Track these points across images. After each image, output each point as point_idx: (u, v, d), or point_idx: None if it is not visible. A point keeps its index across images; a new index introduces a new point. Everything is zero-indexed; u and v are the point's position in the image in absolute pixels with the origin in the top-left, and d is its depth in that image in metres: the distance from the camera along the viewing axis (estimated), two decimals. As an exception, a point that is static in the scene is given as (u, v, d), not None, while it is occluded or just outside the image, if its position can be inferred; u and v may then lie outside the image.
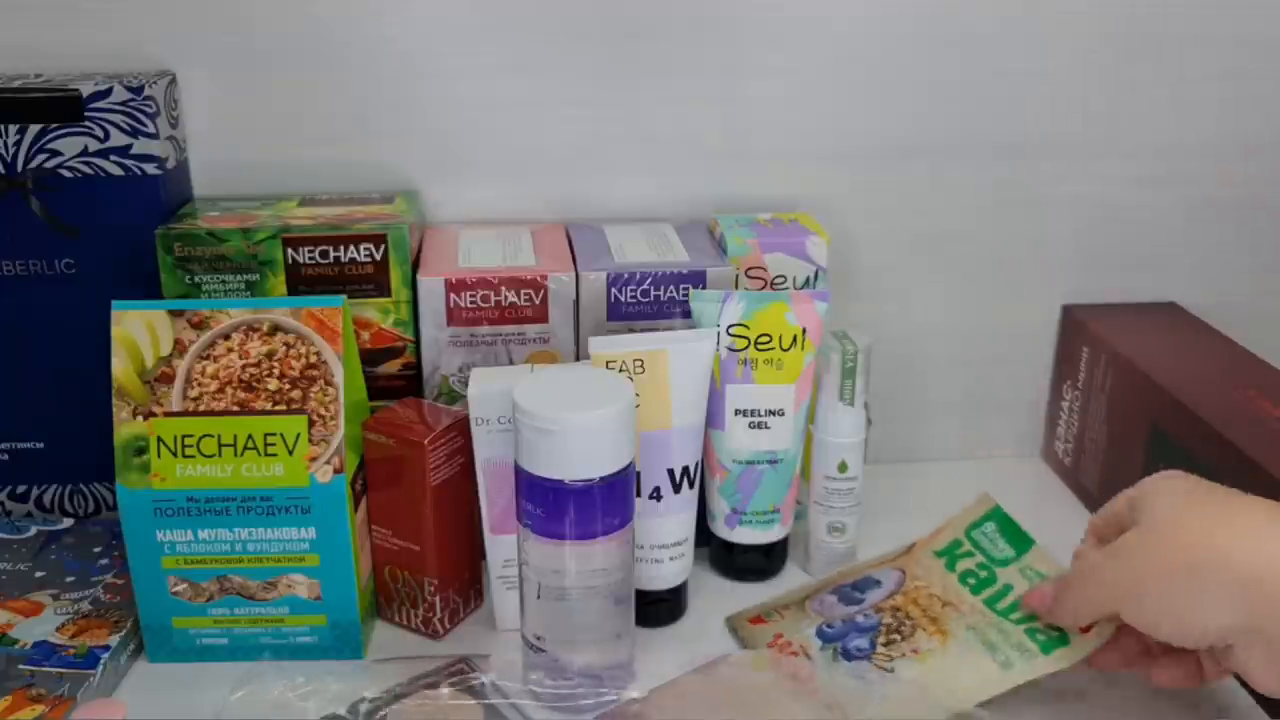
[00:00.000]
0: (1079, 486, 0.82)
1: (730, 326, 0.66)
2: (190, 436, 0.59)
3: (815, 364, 0.67)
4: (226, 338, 0.61)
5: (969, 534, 0.65)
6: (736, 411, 0.67)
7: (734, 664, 0.61)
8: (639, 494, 0.64)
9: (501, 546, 0.63)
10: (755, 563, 0.71)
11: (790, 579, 0.71)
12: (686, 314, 0.68)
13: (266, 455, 0.59)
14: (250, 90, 0.74)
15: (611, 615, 0.58)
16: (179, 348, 0.60)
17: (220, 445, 0.59)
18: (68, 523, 0.73)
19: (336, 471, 0.60)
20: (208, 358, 0.60)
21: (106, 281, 0.68)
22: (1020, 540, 0.63)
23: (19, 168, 0.67)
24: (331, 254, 0.67)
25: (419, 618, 0.65)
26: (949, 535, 0.66)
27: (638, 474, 0.62)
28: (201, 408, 0.60)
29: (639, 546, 0.64)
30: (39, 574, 0.67)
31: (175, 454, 0.59)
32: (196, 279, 0.67)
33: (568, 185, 0.78)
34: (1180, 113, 0.80)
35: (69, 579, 0.67)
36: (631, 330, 0.68)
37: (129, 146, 0.68)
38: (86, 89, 0.67)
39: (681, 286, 0.68)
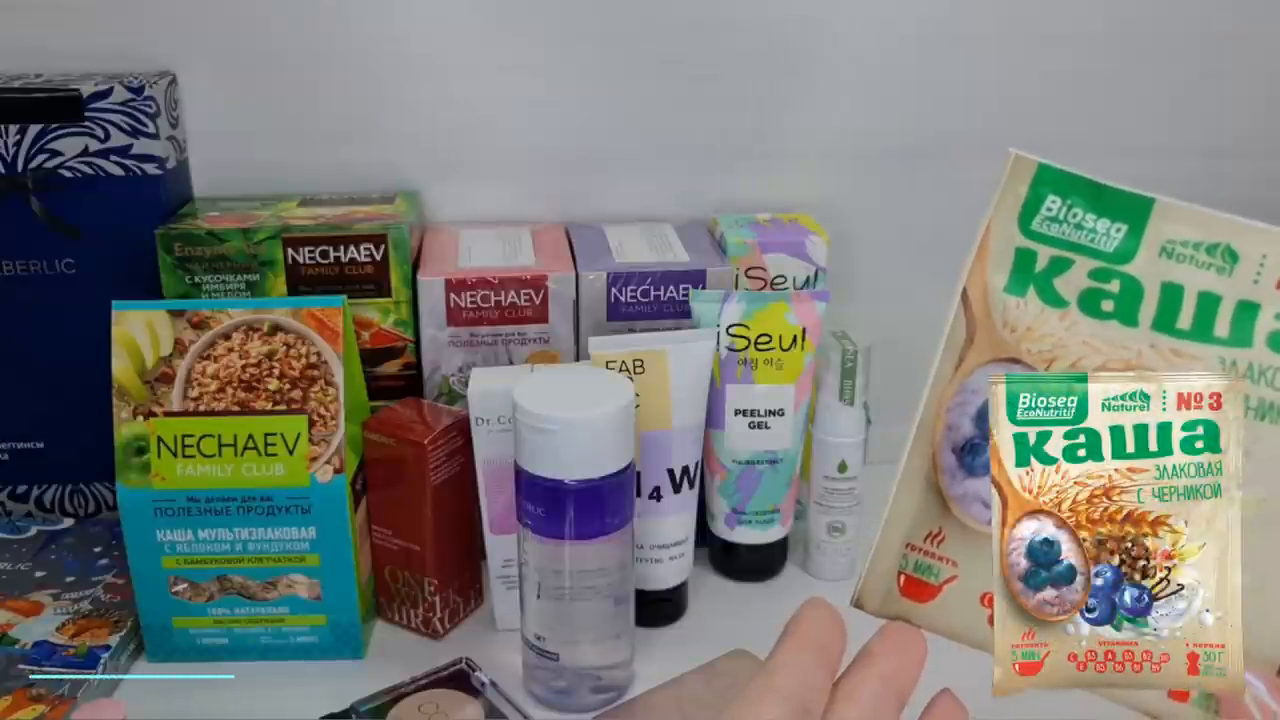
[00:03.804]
0: (1079, 486, 0.82)
1: (730, 326, 0.66)
2: (190, 436, 0.59)
3: (815, 364, 0.67)
4: (227, 338, 0.61)
5: (1027, 230, 0.39)
6: (736, 411, 0.67)
7: (733, 663, 0.61)
8: (639, 494, 0.64)
9: (501, 546, 0.64)
10: (755, 563, 0.71)
11: (790, 580, 0.71)
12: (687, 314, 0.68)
13: (267, 455, 0.59)
14: (250, 90, 0.74)
15: (611, 615, 0.58)
16: (179, 348, 0.60)
17: (220, 445, 0.59)
18: (68, 522, 0.73)
19: (337, 471, 0.60)
20: (208, 358, 0.60)
21: (107, 281, 0.68)
22: (1123, 203, 0.38)
23: (19, 168, 0.67)
24: (332, 254, 0.67)
25: (419, 618, 0.65)
26: (995, 252, 0.39)
27: (638, 474, 0.62)
28: (202, 408, 0.60)
29: (639, 546, 0.64)
30: (39, 574, 0.67)
31: (175, 454, 0.59)
32: (197, 279, 0.67)
33: (568, 185, 0.78)
34: (1180, 112, 0.80)
35: (69, 579, 0.67)
36: (631, 330, 0.69)
37: (129, 147, 0.68)
38: (87, 89, 0.67)
39: (681, 286, 0.68)
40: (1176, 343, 0.37)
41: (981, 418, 0.37)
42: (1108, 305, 0.38)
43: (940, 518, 0.38)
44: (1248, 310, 0.37)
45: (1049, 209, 0.39)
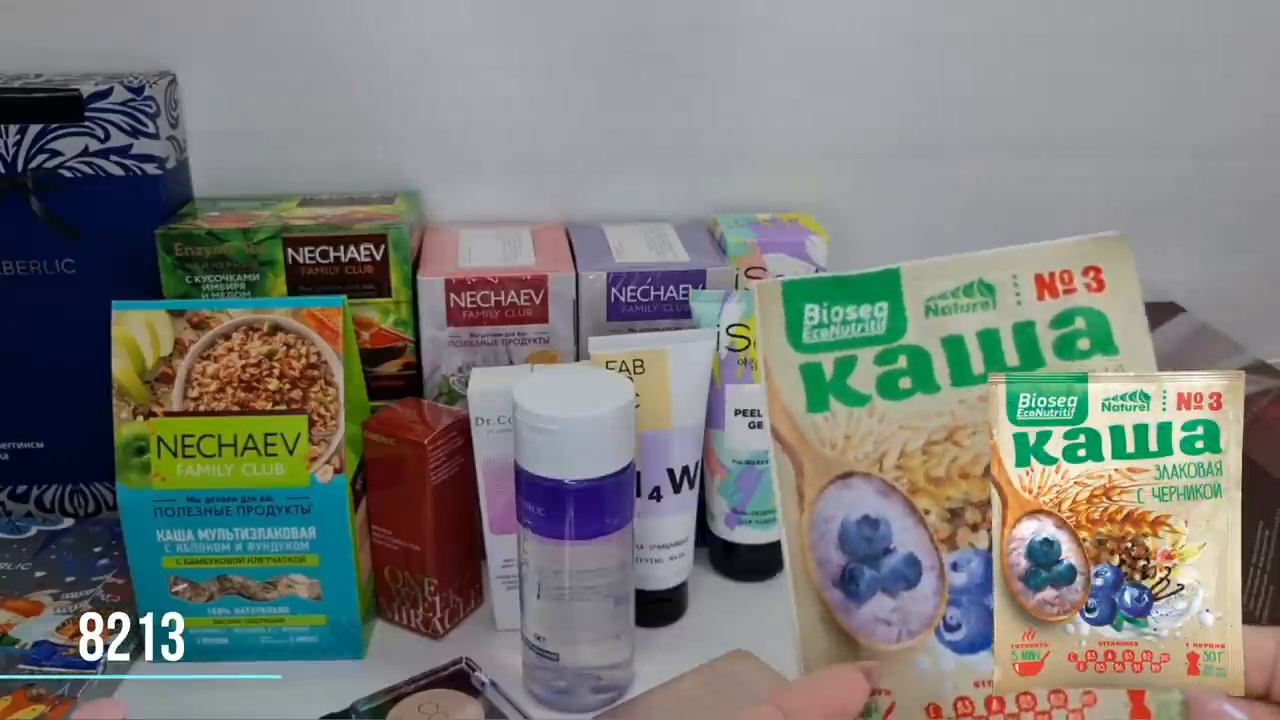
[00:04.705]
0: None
1: (730, 326, 0.66)
2: (190, 436, 0.59)
3: (815, 364, 0.67)
4: (227, 338, 0.61)
5: (800, 345, 0.38)
6: (736, 411, 0.67)
7: (733, 663, 0.61)
8: (639, 494, 0.64)
9: (501, 546, 0.64)
10: (755, 563, 0.71)
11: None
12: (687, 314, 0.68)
13: (267, 455, 0.59)
14: (250, 90, 0.74)
15: (611, 615, 0.58)
16: (179, 348, 0.60)
17: (220, 445, 0.59)
18: (68, 522, 0.73)
19: (337, 471, 0.60)
20: (208, 358, 0.60)
21: (107, 281, 0.68)
22: (872, 284, 0.38)
23: (19, 168, 0.67)
24: (332, 254, 0.67)
25: (419, 618, 0.65)
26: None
27: (638, 474, 0.62)
28: (202, 408, 0.60)
29: (639, 546, 0.64)
30: (39, 574, 0.67)
31: (175, 454, 0.59)
32: (197, 279, 0.67)
33: (568, 185, 0.78)
34: (1181, 112, 0.80)
35: (69, 579, 0.67)
36: (631, 330, 0.69)
37: (129, 147, 0.68)
38: (87, 89, 0.67)
39: (681, 286, 0.68)
40: (981, 389, 0.37)
41: (844, 540, 0.37)
42: (905, 383, 0.38)
43: (853, 654, 0.37)
44: (1025, 331, 0.38)
45: (811, 318, 0.38)
